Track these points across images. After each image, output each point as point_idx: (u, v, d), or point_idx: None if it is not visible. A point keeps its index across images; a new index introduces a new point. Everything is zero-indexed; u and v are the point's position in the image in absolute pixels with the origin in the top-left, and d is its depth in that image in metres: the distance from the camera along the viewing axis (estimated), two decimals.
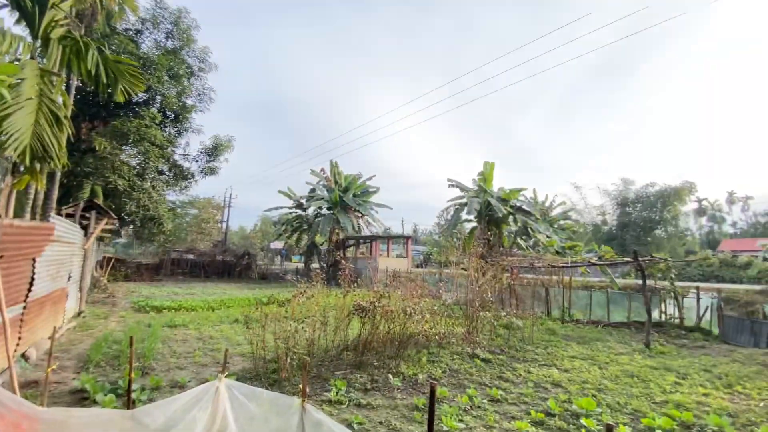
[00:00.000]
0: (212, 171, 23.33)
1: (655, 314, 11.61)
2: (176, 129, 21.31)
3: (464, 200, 22.78)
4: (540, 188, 55.18)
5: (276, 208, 30.32)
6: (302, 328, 5.94)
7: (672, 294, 11.62)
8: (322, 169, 29.44)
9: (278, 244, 47.83)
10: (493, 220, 21.97)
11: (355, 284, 7.17)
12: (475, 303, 8.06)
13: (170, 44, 19.93)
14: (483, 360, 7.10)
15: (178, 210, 30.82)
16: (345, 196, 26.27)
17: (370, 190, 28.51)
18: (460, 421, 4.43)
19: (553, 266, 13.14)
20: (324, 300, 7.66)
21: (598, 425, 4.34)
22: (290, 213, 29.79)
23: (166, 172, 21.74)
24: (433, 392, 2.00)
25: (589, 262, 13.91)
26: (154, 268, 27.34)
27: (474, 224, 24.05)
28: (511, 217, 22.53)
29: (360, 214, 28.09)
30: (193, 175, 22.83)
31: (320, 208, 27.53)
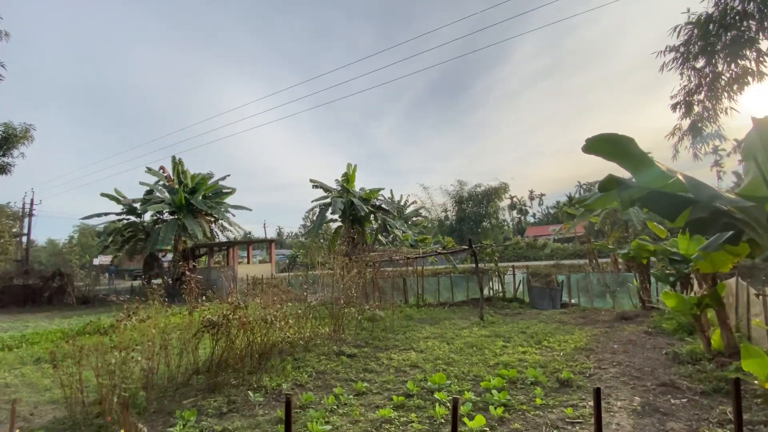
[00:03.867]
0: (2, 169, 17.53)
1: (486, 291, 13.89)
2: None
3: (328, 200, 22.89)
4: (395, 189, 60.17)
5: (99, 215, 24.61)
6: (132, 357, 4.86)
7: (497, 273, 14.13)
8: (162, 168, 25.28)
9: (105, 260, 39.19)
10: (356, 219, 22.70)
11: (204, 297, 6.27)
12: (340, 300, 8.10)
13: None
14: (349, 356, 7.17)
15: None
16: (192, 198, 23.19)
17: (225, 191, 25.92)
18: (327, 423, 4.31)
19: (408, 258, 14.37)
20: (165, 320, 6.49)
21: (448, 396, 4.83)
22: (119, 220, 24.66)
23: None
24: (288, 403, 1.80)
25: (436, 251, 15.72)
26: None
27: (339, 224, 24.44)
28: (372, 216, 23.72)
29: (213, 219, 25.25)
30: None
31: (160, 213, 23.62)
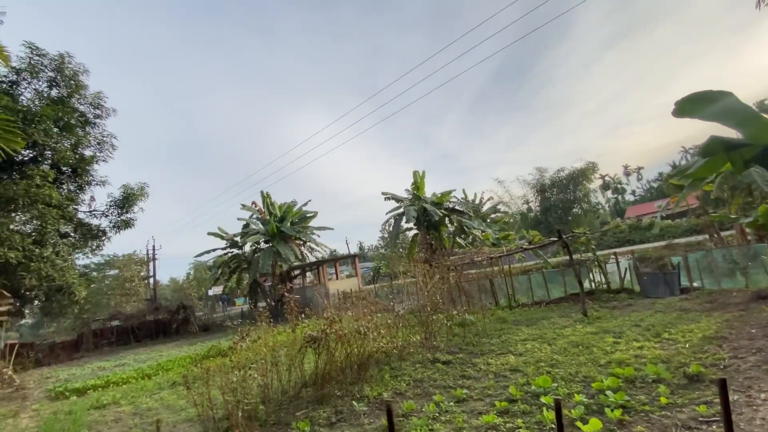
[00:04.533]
0: (126, 224, 21.20)
1: (586, 284, 12.70)
2: (76, 184, 19.07)
3: (401, 210, 23.27)
4: (468, 188, 58.58)
5: (208, 252, 28.28)
6: (250, 375, 5.48)
7: (596, 263, 12.84)
8: (254, 203, 28.26)
9: (217, 290, 44.62)
10: (431, 224, 22.68)
11: (303, 315, 6.82)
12: (427, 308, 8.13)
13: (55, 93, 17.93)
14: (444, 363, 7.13)
15: (93, 274, 27.41)
16: (282, 226, 25.39)
17: (308, 215, 27.92)
18: (431, 430, 4.35)
19: (491, 258, 13.84)
20: (273, 339, 7.19)
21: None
22: (225, 254, 28.01)
23: (72, 234, 19.30)
24: (389, 411, 1.90)
25: (521, 247, 14.87)
26: (73, 345, 23.79)
27: (415, 231, 24.65)
28: (447, 219, 23.45)
29: (302, 242, 27.30)
30: (104, 232, 20.54)
31: (257, 242, 26.27)
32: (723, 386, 1.52)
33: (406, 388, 6.07)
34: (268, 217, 26.05)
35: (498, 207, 39.25)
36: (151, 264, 37.01)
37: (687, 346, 5.99)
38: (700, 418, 3.65)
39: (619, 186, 54.83)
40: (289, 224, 25.85)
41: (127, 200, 20.76)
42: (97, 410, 8.11)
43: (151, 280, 37.50)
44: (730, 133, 2.81)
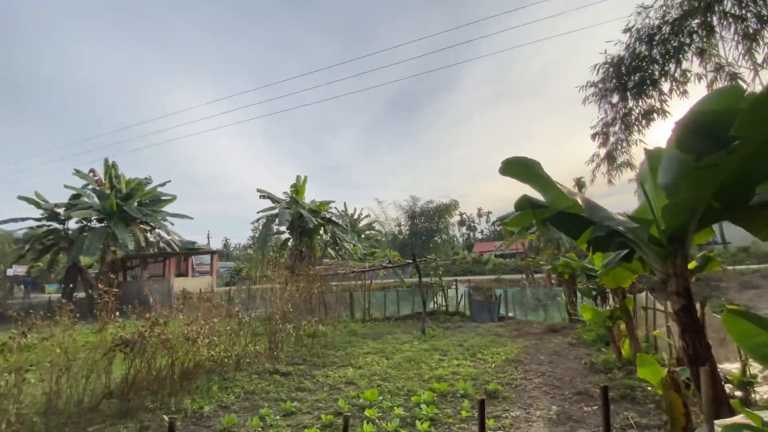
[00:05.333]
0: None
1: (431, 305, 14.14)
2: None
3: (276, 211, 22.29)
4: (352, 203, 60.20)
5: (15, 220, 21.97)
6: (25, 380, 4.32)
7: (440, 287, 14.47)
8: (93, 171, 23.30)
9: (21, 270, 34.87)
10: (305, 231, 22.29)
11: (118, 313, 5.74)
12: (276, 316, 7.81)
13: None
14: (283, 374, 6.90)
15: None
16: (126, 205, 21.48)
17: (164, 198, 24.31)
18: None
19: (353, 272, 14.28)
20: (76, 338, 5.85)
21: (378, 412, 4.79)
22: (39, 227, 22.18)
23: None
24: (171, 429, 1.67)
25: (381, 265, 15.81)
26: None
27: (287, 236, 23.86)
28: (322, 228, 23.41)
29: (149, 227, 23.52)
30: None
31: (87, 219, 21.59)
32: (481, 406, 1.81)
33: (234, 401, 5.63)
34: (108, 191, 21.74)
35: (373, 225, 41.21)
36: None
37: (493, 366, 7.11)
38: (488, 430, 4.30)
39: (472, 224, 63.92)
40: (135, 204, 22.06)
41: None
42: None
43: None
44: (537, 194, 3.47)
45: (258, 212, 22.59)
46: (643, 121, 7.68)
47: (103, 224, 21.17)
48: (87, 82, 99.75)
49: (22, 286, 34.72)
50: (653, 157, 3.68)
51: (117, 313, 5.58)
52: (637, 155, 7.74)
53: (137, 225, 22.14)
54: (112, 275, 18.33)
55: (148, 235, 23.53)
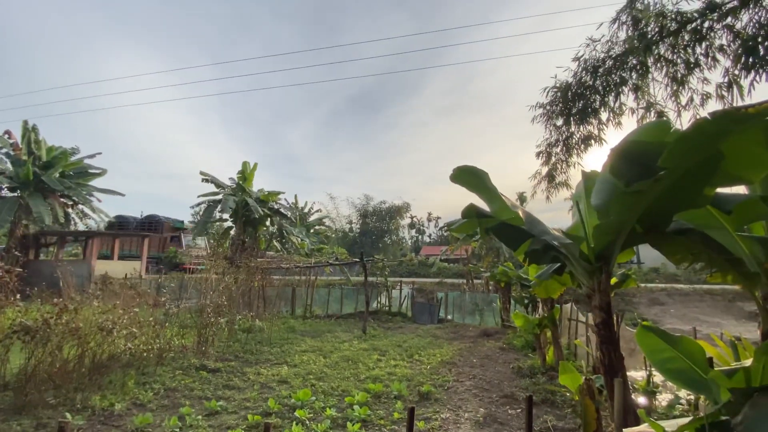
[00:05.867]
0: None
1: (375, 304, 14.19)
2: None
3: (219, 197, 21.08)
4: (305, 196, 58.69)
5: None
6: None
7: (385, 287, 14.58)
8: (8, 133, 20.45)
9: None
10: (249, 220, 21.32)
11: (20, 295, 5.04)
12: (209, 309, 7.34)
13: None
14: (211, 371, 6.50)
15: None
16: (45, 175, 19.14)
17: (92, 171, 22.01)
18: None
19: (297, 266, 13.92)
20: None
21: (309, 413, 4.66)
22: None
23: None
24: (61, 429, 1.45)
25: (327, 262, 15.58)
26: None
27: (230, 224, 22.66)
28: (269, 219, 22.55)
29: (71, 202, 21.16)
30: None
31: None
32: (411, 414, 1.79)
33: (151, 398, 5.18)
34: (25, 158, 19.23)
35: (324, 220, 40.52)
36: None
37: (428, 367, 7.26)
38: None
39: (421, 227, 65.48)
40: (56, 175, 19.74)
41: None
42: None
43: None
44: (483, 204, 3.55)
45: (199, 196, 21.22)
46: (582, 145, 8.28)
47: (15, 194, 18.69)
48: (16, 30, 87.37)
49: None
50: (589, 179, 3.94)
51: (18, 296, 4.88)
52: (574, 176, 8.32)
53: (56, 198, 19.83)
54: (18, 252, 16.24)
55: (70, 210, 21.17)
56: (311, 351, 8.30)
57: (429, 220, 64.06)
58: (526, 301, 9.56)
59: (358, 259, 12.30)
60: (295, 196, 35.99)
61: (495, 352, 8.82)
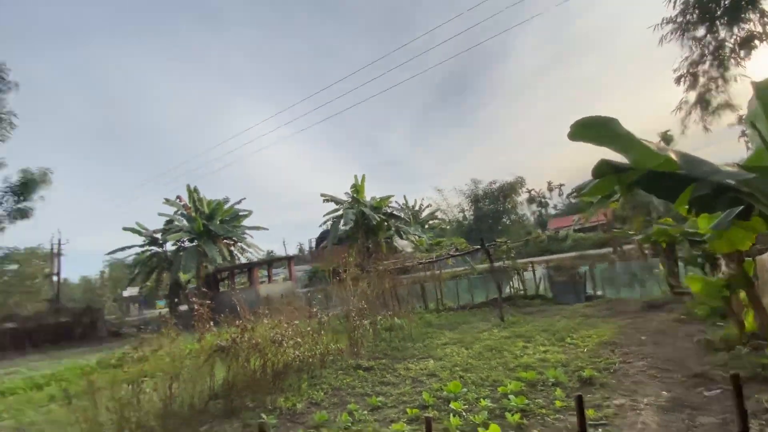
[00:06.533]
0: (23, 214, 18.48)
1: (507, 290, 13.51)
2: None
3: (340, 213, 23.04)
4: (412, 195, 60.04)
5: (123, 249, 25.56)
6: (141, 389, 4.92)
7: (515, 270, 13.74)
8: (179, 197, 26.13)
9: (134, 291, 40.54)
10: (369, 228, 22.74)
11: (212, 323, 6.31)
12: (352, 313, 8.01)
13: None
14: (365, 369, 7.05)
15: None
16: (210, 224, 23.78)
17: (241, 214, 26.50)
18: None
19: (420, 263, 14.18)
20: (181, 348, 6.56)
21: (464, 405, 4.64)
22: (143, 252, 25.51)
23: None
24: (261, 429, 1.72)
25: (449, 254, 15.46)
26: None
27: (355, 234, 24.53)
28: (385, 223, 23.69)
29: (232, 242, 25.80)
30: None
31: (181, 241, 24.29)
32: (579, 402, 1.59)
33: (323, 397, 5.87)
34: (194, 214, 24.22)
35: (436, 214, 40.63)
36: (56, 260, 32.38)
37: (585, 350, 6.54)
38: (589, 421, 3.92)
39: (542, 200, 60.00)
40: (218, 222, 24.29)
41: (25, 187, 18.09)
42: None
43: (56, 278, 32.86)
44: (619, 157, 3.04)
45: (324, 215, 23.55)
46: (741, 51, 6.45)
47: (194, 243, 23.66)
48: (163, 121, 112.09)
49: (137, 305, 40.33)
50: (764, 90, 3.03)
51: (211, 323, 6.13)
52: (738, 93, 6.51)
53: (221, 241, 24.38)
54: (205, 289, 20.47)
55: (233, 249, 25.79)
56: (452, 343, 8.31)
57: (550, 190, 58.48)
58: (700, 261, 7.83)
59: (479, 246, 11.91)
60: (404, 196, 36.90)
61: (669, 325, 7.45)
